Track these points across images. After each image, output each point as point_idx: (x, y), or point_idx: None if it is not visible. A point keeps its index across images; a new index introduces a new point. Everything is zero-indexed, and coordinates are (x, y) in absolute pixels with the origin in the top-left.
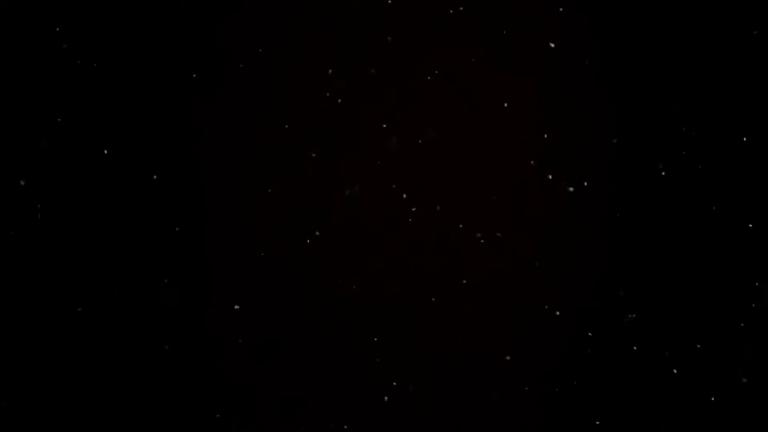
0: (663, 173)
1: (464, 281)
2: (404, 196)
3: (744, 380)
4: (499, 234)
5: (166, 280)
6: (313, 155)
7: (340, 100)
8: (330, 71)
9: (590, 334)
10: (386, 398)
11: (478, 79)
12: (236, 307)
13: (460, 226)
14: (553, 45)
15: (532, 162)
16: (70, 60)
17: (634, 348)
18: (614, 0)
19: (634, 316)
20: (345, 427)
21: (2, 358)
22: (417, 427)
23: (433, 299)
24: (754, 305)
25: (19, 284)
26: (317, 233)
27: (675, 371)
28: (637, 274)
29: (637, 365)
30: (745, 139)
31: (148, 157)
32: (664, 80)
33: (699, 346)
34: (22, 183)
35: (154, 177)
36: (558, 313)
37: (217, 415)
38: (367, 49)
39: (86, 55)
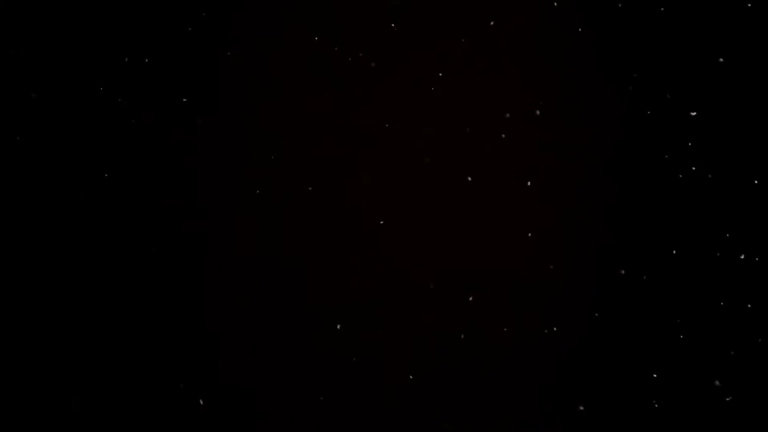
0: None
1: (464, 280)
2: (403, 194)
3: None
4: (499, 233)
5: (162, 280)
6: (312, 155)
7: (339, 100)
8: (329, 70)
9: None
10: (385, 397)
11: (481, 77)
12: (234, 306)
13: (460, 224)
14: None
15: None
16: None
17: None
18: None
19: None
20: (344, 425)
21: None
22: (418, 425)
23: (432, 298)
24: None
25: (16, 285)
26: (315, 233)
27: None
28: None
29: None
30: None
31: (145, 160)
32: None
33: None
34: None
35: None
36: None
37: (214, 415)
38: (366, 48)
39: (81, 57)
